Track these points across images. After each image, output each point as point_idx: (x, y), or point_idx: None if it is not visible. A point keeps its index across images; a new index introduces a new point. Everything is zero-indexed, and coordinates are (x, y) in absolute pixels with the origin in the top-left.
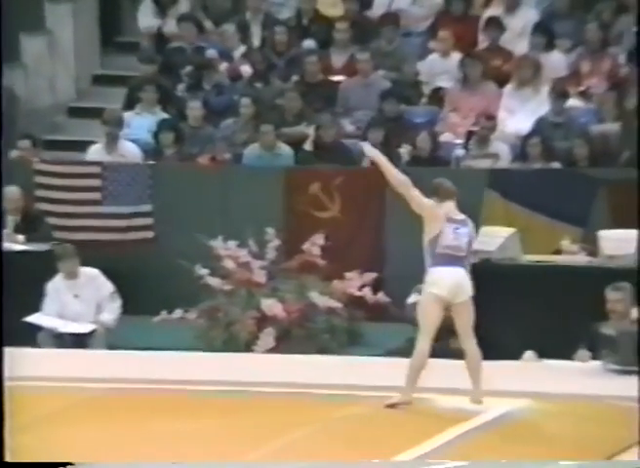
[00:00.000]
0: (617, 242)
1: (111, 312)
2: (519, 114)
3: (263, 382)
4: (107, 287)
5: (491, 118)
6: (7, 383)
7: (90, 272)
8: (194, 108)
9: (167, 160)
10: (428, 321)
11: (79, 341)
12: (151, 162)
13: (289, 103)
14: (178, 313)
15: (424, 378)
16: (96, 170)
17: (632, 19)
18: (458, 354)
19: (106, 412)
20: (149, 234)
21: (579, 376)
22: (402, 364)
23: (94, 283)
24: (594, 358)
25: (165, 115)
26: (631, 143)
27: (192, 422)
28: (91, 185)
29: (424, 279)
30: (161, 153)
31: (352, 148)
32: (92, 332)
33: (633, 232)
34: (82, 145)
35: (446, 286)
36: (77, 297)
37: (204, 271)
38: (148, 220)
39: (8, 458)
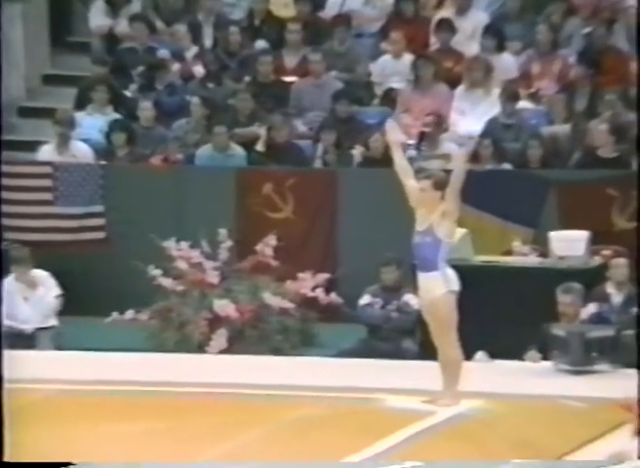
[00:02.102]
0: (567, 243)
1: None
2: (470, 115)
3: (216, 383)
4: (55, 290)
5: (437, 115)
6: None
7: (40, 274)
8: (145, 109)
9: (119, 160)
10: (455, 320)
11: (28, 342)
12: (103, 162)
13: (241, 104)
14: (129, 314)
15: (376, 379)
16: (47, 170)
17: (581, 21)
18: (408, 354)
19: (56, 414)
20: (101, 235)
21: (530, 377)
22: (355, 364)
23: (43, 285)
24: (545, 358)
25: (116, 115)
26: (581, 145)
27: (144, 423)
28: (42, 185)
29: (440, 278)
30: (113, 153)
31: (304, 149)
32: (40, 333)
33: (583, 233)
34: (32, 145)
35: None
36: (27, 299)
37: (156, 272)
38: (100, 221)
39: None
